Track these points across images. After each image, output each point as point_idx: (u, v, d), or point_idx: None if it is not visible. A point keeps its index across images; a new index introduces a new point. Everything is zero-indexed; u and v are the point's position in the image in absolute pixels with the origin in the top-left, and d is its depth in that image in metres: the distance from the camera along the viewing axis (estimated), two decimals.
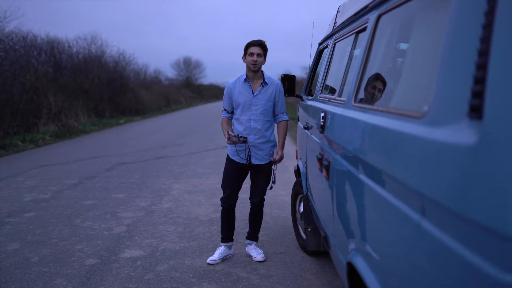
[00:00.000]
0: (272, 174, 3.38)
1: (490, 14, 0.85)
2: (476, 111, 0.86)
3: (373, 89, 1.75)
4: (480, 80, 0.85)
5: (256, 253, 3.43)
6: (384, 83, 1.71)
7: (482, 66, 0.85)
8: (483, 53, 0.85)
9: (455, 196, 0.88)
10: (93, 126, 15.62)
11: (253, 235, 3.48)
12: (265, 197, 3.43)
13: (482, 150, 0.81)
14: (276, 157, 3.33)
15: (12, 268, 3.32)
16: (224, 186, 3.34)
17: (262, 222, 3.63)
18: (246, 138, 3.16)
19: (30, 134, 12.31)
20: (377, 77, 1.74)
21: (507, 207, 0.73)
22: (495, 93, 0.80)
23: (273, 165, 3.38)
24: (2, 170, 7.57)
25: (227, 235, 3.43)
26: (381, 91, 1.72)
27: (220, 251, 3.39)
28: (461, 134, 0.89)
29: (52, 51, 18.81)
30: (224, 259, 3.40)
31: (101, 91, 19.84)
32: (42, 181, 6.53)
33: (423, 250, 1.04)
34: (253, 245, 3.49)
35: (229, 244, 3.45)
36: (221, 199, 3.36)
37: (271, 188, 3.46)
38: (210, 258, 3.36)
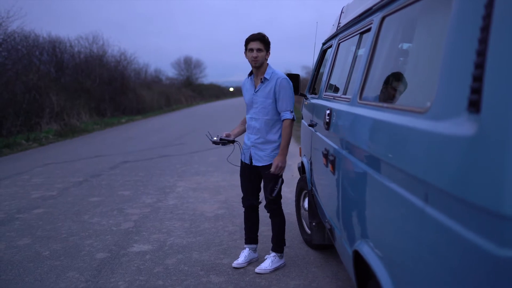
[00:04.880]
0: (275, 186, 3.09)
1: (487, 17, 0.94)
2: (474, 105, 0.95)
3: (394, 92, 1.77)
4: (478, 78, 0.95)
5: (264, 263, 3.17)
6: (400, 81, 1.75)
7: (480, 65, 0.95)
8: (481, 53, 0.95)
9: (457, 183, 0.98)
10: (95, 125, 15.71)
11: (273, 244, 3.25)
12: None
13: (480, 140, 0.91)
14: (273, 168, 2.99)
15: (25, 261, 3.42)
16: (241, 186, 3.34)
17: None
18: (227, 141, 3.08)
19: (34, 133, 12.40)
20: (397, 77, 1.78)
21: (503, 189, 0.83)
22: (491, 89, 0.89)
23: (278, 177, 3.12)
24: (7, 168, 7.67)
25: (249, 236, 3.33)
26: (396, 89, 1.77)
27: (245, 254, 3.29)
28: (461, 127, 0.99)
29: (54, 51, 18.91)
30: (249, 262, 3.28)
31: (102, 91, 19.93)
32: (47, 179, 6.62)
33: (426, 233, 1.13)
34: (271, 255, 3.23)
35: (253, 246, 3.34)
36: (242, 199, 3.36)
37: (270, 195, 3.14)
38: (235, 262, 3.25)
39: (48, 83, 15.23)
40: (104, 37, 47.57)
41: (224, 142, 3.16)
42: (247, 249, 3.35)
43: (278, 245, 3.25)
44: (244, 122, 3.37)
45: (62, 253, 3.58)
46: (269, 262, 3.18)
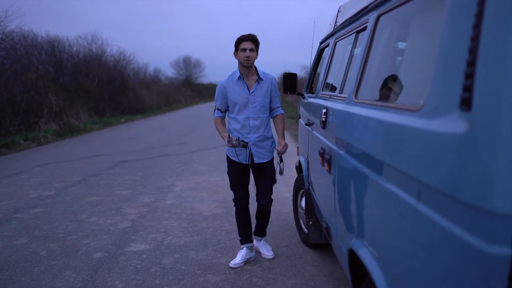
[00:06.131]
0: (279, 166, 3.24)
1: (479, 15, 0.94)
2: (466, 103, 0.95)
3: (389, 90, 1.76)
4: (470, 76, 0.94)
5: (265, 249, 3.41)
6: (394, 80, 1.74)
7: (471, 63, 0.94)
8: (473, 51, 0.95)
9: (448, 180, 0.98)
10: (94, 125, 15.71)
11: (260, 231, 3.44)
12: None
13: (471, 138, 0.91)
14: (280, 148, 3.13)
15: (22, 261, 3.41)
16: (233, 187, 3.31)
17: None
18: (247, 143, 3.07)
19: (32, 133, 12.39)
20: (392, 76, 1.78)
21: (493, 187, 0.83)
22: (482, 87, 0.89)
23: (278, 157, 3.25)
24: (6, 168, 7.66)
25: (246, 235, 3.36)
26: (391, 89, 1.76)
27: (242, 254, 3.30)
28: (453, 124, 0.99)
29: (53, 50, 18.91)
30: (246, 262, 3.32)
31: (101, 90, 19.93)
32: (46, 178, 6.62)
33: (419, 231, 1.13)
34: (262, 240, 3.47)
35: (250, 245, 3.36)
36: (234, 200, 3.34)
37: (275, 181, 3.36)
38: (232, 262, 3.26)
39: (46, 82, 15.22)
40: (103, 37, 47.62)
41: (244, 145, 3.07)
42: (244, 249, 3.35)
43: (265, 229, 3.50)
44: (224, 123, 3.31)
45: (59, 253, 3.58)
46: (268, 247, 3.47)
